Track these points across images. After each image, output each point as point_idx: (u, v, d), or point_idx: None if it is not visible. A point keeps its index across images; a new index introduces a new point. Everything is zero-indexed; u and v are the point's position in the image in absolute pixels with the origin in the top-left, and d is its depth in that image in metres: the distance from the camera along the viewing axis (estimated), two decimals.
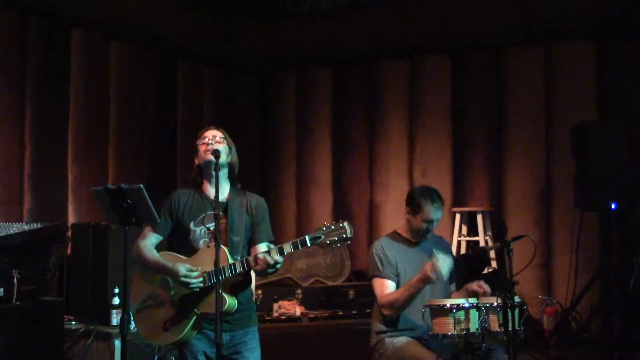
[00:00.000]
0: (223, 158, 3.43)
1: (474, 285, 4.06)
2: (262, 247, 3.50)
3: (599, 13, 6.31)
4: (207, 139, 3.50)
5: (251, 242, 3.54)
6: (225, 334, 3.37)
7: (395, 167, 7.08)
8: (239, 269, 3.33)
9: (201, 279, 3.35)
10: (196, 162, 3.55)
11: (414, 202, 4.18)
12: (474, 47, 6.87)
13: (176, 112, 6.90)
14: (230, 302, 3.35)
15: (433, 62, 7.02)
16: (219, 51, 7.35)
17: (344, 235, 3.23)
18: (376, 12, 7.07)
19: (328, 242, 3.24)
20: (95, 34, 6.08)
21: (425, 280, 3.91)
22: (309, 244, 3.25)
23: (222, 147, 3.46)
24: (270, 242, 3.56)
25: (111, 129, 6.21)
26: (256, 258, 3.31)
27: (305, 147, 7.47)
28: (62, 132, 5.83)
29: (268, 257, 3.27)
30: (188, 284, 3.34)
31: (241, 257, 3.40)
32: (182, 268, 3.35)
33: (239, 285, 3.46)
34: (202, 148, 3.49)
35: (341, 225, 3.24)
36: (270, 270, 3.32)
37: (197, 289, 3.36)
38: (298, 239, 3.27)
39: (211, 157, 3.41)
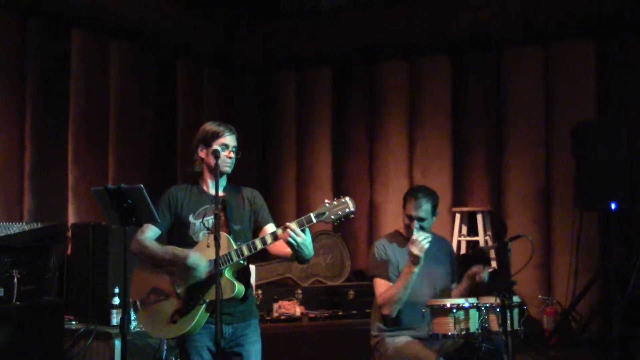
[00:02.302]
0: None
1: (474, 268, 4.09)
2: (270, 226, 3.55)
3: (599, 13, 6.31)
4: (229, 149, 3.49)
5: (258, 227, 3.57)
6: (228, 327, 3.39)
7: (395, 167, 7.08)
8: (245, 252, 3.34)
9: (208, 269, 3.35)
10: (201, 155, 3.52)
11: (403, 199, 4.25)
12: (474, 47, 6.86)
13: (176, 112, 6.89)
14: (239, 287, 3.37)
15: (433, 62, 7.02)
16: (219, 51, 7.34)
17: (347, 210, 3.25)
18: (376, 12, 7.07)
19: (333, 217, 3.26)
20: (95, 34, 6.08)
21: (414, 262, 3.94)
22: (314, 221, 3.27)
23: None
24: None
25: (111, 129, 6.20)
26: (278, 233, 3.31)
27: (305, 147, 7.46)
28: (62, 132, 5.83)
29: (288, 230, 3.26)
30: (195, 269, 3.34)
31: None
32: (193, 254, 3.36)
33: (242, 276, 3.47)
34: (223, 154, 3.46)
35: (343, 200, 3.27)
36: (297, 242, 3.26)
37: (202, 277, 3.36)
38: (303, 217, 3.29)
39: (228, 171, 3.49)
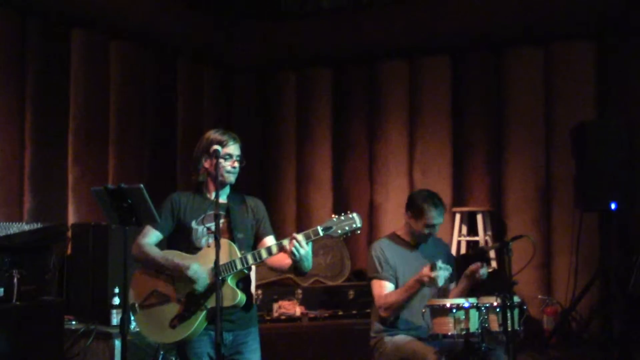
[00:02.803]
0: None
1: (472, 266, 4.06)
2: (270, 239, 3.54)
3: (599, 13, 6.31)
4: (232, 159, 3.48)
5: (258, 238, 3.57)
6: (228, 334, 3.38)
7: (395, 167, 7.08)
8: (250, 261, 3.34)
9: (208, 282, 3.34)
10: (206, 165, 3.50)
11: (416, 207, 4.18)
12: (474, 47, 6.87)
13: (176, 112, 6.89)
14: (241, 296, 3.37)
15: (433, 62, 7.02)
16: (219, 51, 7.34)
17: (354, 225, 3.28)
18: (376, 12, 7.06)
19: (339, 232, 3.27)
20: (95, 34, 6.08)
21: (422, 283, 3.93)
22: (321, 234, 3.27)
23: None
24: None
25: (111, 129, 6.20)
26: (285, 243, 3.31)
27: (305, 147, 7.46)
28: (62, 132, 5.83)
29: (294, 240, 3.26)
30: (195, 281, 3.32)
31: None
32: (194, 265, 3.34)
33: (244, 284, 3.47)
34: (228, 164, 3.46)
35: (350, 216, 3.29)
36: (301, 254, 3.27)
37: (201, 289, 3.34)
38: (310, 230, 3.29)
39: (232, 181, 3.48)
